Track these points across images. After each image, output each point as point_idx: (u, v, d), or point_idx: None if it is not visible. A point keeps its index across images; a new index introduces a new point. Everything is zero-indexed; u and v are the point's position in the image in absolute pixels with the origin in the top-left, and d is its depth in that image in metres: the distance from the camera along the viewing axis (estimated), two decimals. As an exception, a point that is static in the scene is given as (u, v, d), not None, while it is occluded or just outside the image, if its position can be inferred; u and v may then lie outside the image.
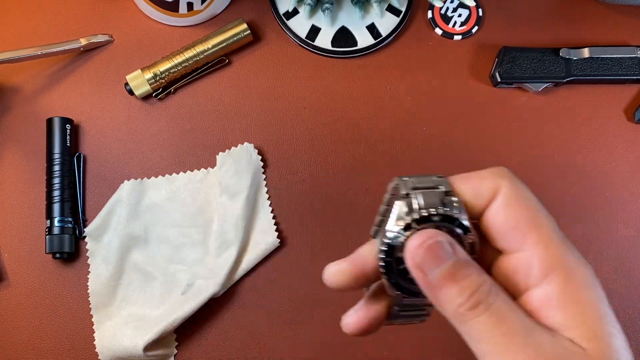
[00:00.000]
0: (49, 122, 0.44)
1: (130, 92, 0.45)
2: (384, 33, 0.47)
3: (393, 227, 0.24)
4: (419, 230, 0.23)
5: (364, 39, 0.47)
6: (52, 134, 0.44)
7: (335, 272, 0.25)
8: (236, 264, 0.42)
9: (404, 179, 0.25)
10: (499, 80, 0.45)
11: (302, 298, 0.43)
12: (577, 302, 0.22)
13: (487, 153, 0.46)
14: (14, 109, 0.46)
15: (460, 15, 0.47)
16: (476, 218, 0.25)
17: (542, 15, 0.48)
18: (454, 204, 0.24)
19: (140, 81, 0.44)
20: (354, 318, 0.26)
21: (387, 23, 0.47)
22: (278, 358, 0.42)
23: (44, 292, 0.43)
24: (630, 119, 0.46)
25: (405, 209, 0.24)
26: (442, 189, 0.24)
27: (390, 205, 0.25)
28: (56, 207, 0.43)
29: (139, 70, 0.45)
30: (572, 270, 0.22)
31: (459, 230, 0.24)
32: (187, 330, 0.42)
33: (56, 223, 0.42)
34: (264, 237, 0.43)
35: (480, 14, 0.48)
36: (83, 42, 0.45)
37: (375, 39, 0.47)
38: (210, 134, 0.46)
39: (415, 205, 0.24)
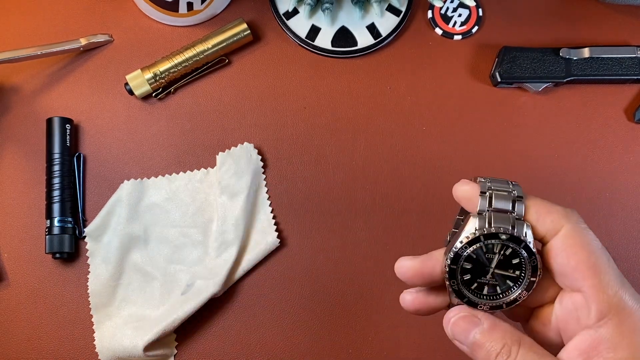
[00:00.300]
0: (49, 122, 0.44)
1: (130, 92, 0.45)
2: (384, 33, 0.47)
3: (462, 238, 0.27)
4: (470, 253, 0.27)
5: (364, 39, 0.46)
6: (51, 133, 0.44)
7: (406, 267, 0.29)
8: (236, 264, 0.42)
9: (483, 192, 0.27)
10: (499, 80, 0.45)
11: (302, 298, 0.43)
12: (628, 345, 0.24)
13: (487, 153, 0.46)
14: (14, 109, 0.46)
15: (460, 15, 0.47)
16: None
17: (542, 15, 0.48)
18: (524, 227, 0.26)
19: (140, 81, 0.44)
20: (412, 297, 0.29)
21: (387, 23, 0.47)
22: (278, 358, 0.42)
23: (43, 292, 0.43)
24: (630, 119, 0.46)
25: (476, 225, 0.27)
26: (516, 212, 0.27)
27: (464, 217, 0.28)
28: (56, 207, 0.42)
29: (139, 70, 0.45)
30: (626, 314, 0.24)
31: (523, 252, 0.26)
32: (187, 330, 0.42)
33: (56, 223, 0.42)
34: (264, 237, 0.43)
35: (481, 13, 0.47)
36: (83, 42, 0.45)
37: (375, 39, 0.46)
38: (210, 133, 0.46)
39: (486, 225, 0.26)
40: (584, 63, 0.45)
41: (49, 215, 0.43)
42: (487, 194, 0.27)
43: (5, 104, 0.46)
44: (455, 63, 0.47)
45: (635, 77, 0.45)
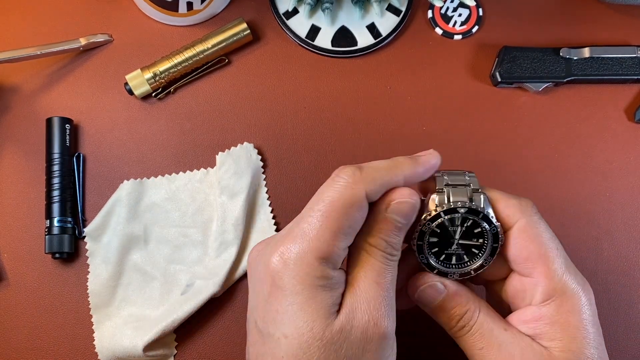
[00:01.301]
0: (49, 121, 0.44)
1: (130, 92, 0.45)
2: (384, 33, 0.47)
3: (425, 216, 0.29)
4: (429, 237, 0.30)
5: (364, 39, 0.46)
6: (51, 133, 0.44)
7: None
8: (236, 264, 0.42)
9: (440, 175, 0.30)
10: (499, 80, 0.45)
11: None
12: (563, 324, 0.28)
13: (487, 153, 0.46)
14: (13, 109, 0.46)
15: (460, 15, 0.47)
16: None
17: (543, 15, 0.48)
18: (480, 199, 0.29)
19: (139, 81, 0.44)
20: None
21: (387, 23, 0.47)
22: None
23: (43, 292, 0.43)
24: (631, 118, 0.46)
25: (436, 202, 0.29)
26: (472, 187, 0.29)
27: (426, 198, 0.30)
28: (56, 207, 0.42)
29: (139, 70, 0.44)
30: (567, 298, 0.28)
31: (483, 223, 0.29)
32: (187, 330, 0.42)
33: (56, 223, 0.42)
34: (264, 237, 0.43)
35: (481, 13, 0.47)
36: (82, 41, 0.45)
37: (375, 39, 0.46)
38: (210, 133, 0.46)
39: (445, 200, 0.29)
40: (584, 63, 0.45)
41: (49, 215, 0.43)
42: (444, 175, 0.30)
43: (5, 104, 0.46)
44: (455, 63, 0.47)
45: (635, 77, 0.45)
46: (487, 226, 0.29)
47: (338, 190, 0.27)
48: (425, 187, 0.31)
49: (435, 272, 0.30)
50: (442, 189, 0.29)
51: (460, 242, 0.30)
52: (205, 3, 0.45)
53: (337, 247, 0.26)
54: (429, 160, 0.30)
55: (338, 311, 0.26)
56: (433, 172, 0.30)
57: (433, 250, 0.30)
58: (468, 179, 0.30)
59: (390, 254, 0.28)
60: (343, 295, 0.27)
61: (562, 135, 0.46)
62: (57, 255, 0.42)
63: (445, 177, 0.30)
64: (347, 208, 0.26)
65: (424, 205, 0.29)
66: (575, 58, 0.45)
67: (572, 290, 0.29)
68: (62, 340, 0.42)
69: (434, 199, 0.29)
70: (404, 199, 0.28)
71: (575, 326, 0.28)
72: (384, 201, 0.28)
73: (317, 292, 0.26)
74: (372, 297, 0.26)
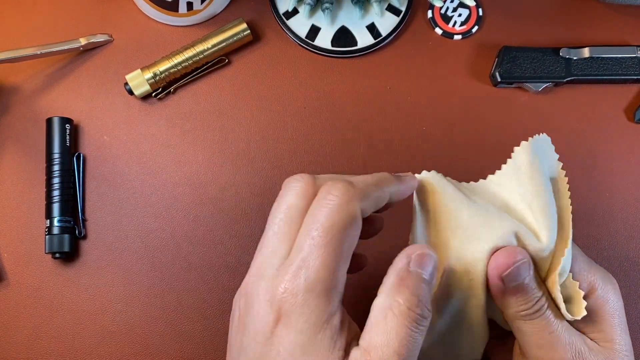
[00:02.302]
0: (49, 121, 0.44)
1: (130, 92, 0.45)
2: (383, 33, 0.47)
3: None
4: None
5: (363, 39, 0.46)
6: (51, 133, 0.44)
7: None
8: None
9: None
10: (499, 80, 0.45)
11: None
12: (599, 316, 0.30)
13: (487, 153, 0.46)
14: (13, 109, 0.46)
15: (460, 15, 0.47)
16: None
17: (542, 15, 0.48)
18: None
19: (139, 81, 0.44)
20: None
21: (387, 23, 0.47)
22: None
23: (43, 292, 0.43)
24: (631, 118, 0.46)
25: None
26: None
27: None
28: (56, 207, 0.42)
29: (139, 70, 0.45)
30: (595, 290, 0.30)
31: None
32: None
33: (56, 223, 0.42)
34: None
35: (481, 13, 0.47)
36: (83, 41, 0.45)
37: (375, 39, 0.46)
38: (210, 133, 0.46)
39: None
40: (584, 63, 0.45)
41: (49, 215, 0.43)
42: None
43: (5, 104, 0.46)
44: (455, 63, 0.47)
45: (635, 77, 0.45)
46: None
47: (334, 210, 0.25)
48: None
49: None
50: None
51: None
52: (205, 3, 0.45)
53: (342, 273, 0.25)
54: (410, 181, 0.30)
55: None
56: (412, 192, 0.31)
57: None
58: None
59: (422, 315, 0.25)
60: (350, 349, 0.24)
61: (562, 136, 0.46)
62: (57, 255, 0.42)
63: None
64: (347, 230, 0.25)
65: None
66: (575, 58, 0.45)
67: (600, 284, 0.30)
68: (62, 340, 0.42)
69: None
70: (425, 251, 0.27)
71: (611, 315, 0.29)
72: (403, 256, 0.27)
73: (323, 330, 0.24)
74: None
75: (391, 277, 0.26)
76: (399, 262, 0.27)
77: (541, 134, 0.32)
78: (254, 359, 0.25)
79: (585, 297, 0.29)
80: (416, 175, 0.31)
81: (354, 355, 0.24)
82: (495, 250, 0.29)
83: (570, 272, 0.30)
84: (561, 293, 0.29)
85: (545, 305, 0.29)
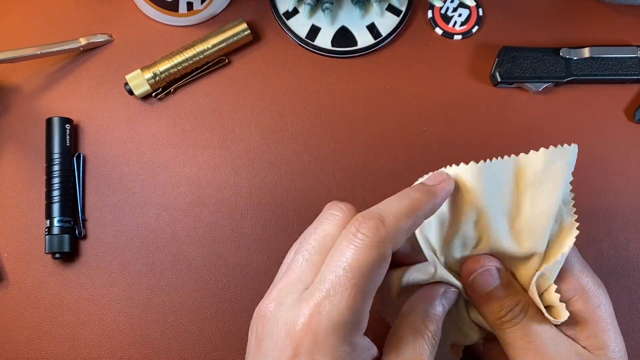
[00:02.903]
0: (49, 121, 0.44)
1: (130, 92, 0.45)
2: (384, 33, 0.47)
3: None
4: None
5: (364, 39, 0.46)
6: (51, 133, 0.44)
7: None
8: None
9: None
10: (499, 80, 0.45)
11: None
12: (593, 320, 0.29)
13: (487, 153, 0.45)
14: (13, 109, 0.46)
15: (460, 15, 0.47)
16: None
17: (542, 15, 0.48)
18: None
19: (139, 81, 0.44)
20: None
21: (387, 23, 0.47)
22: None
23: (43, 292, 0.43)
24: (631, 118, 0.46)
25: None
26: None
27: None
28: (56, 207, 0.42)
29: (139, 70, 0.44)
30: (590, 296, 0.29)
31: None
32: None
33: (56, 223, 0.42)
34: None
35: (481, 13, 0.47)
36: (83, 41, 0.45)
37: (375, 39, 0.46)
38: (210, 133, 0.46)
39: None
40: (584, 63, 0.45)
41: (49, 215, 0.43)
42: None
43: (5, 104, 0.46)
44: (455, 63, 0.47)
45: (635, 77, 0.45)
46: None
47: (363, 252, 0.24)
48: None
49: None
50: None
51: None
52: (205, 3, 0.45)
53: (366, 311, 0.25)
54: (446, 189, 0.29)
55: None
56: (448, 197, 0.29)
57: None
58: None
59: (435, 336, 0.28)
60: None
61: (562, 136, 0.46)
62: (57, 255, 0.42)
63: None
64: (375, 270, 0.24)
65: None
66: (575, 58, 0.45)
67: (592, 288, 0.30)
68: (62, 340, 0.42)
69: None
70: (450, 289, 0.30)
71: (604, 320, 0.29)
72: (435, 297, 0.29)
73: None
74: None
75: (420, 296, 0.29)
76: (431, 304, 0.28)
77: (572, 144, 0.31)
78: None
79: (576, 301, 0.29)
80: (449, 171, 0.30)
81: None
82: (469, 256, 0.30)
83: (555, 283, 0.30)
84: (545, 299, 0.29)
85: (522, 314, 0.28)
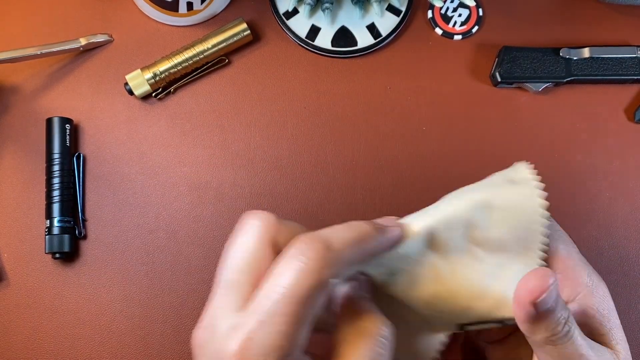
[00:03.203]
0: (49, 121, 0.44)
1: (130, 92, 0.45)
2: (384, 33, 0.47)
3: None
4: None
5: (364, 39, 0.46)
6: (51, 133, 0.44)
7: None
8: None
9: None
10: (499, 80, 0.45)
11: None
12: (606, 316, 0.28)
13: (487, 153, 0.46)
14: (13, 109, 0.46)
15: (460, 15, 0.47)
16: None
17: (542, 15, 0.48)
18: None
19: (139, 81, 0.44)
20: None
21: (387, 23, 0.47)
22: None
23: (43, 292, 0.43)
24: (631, 118, 0.46)
25: None
26: None
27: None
28: (56, 207, 0.42)
29: (139, 70, 0.44)
30: (593, 292, 0.29)
31: None
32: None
33: (56, 223, 0.42)
34: None
35: (481, 13, 0.47)
36: (83, 41, 0.45)
37: (375, 39, 0.46)
38: (210, 133, 0.46)
39: None
40: (584, 63, 0.45)
41: (49, 215, 0.43)
42: None
43: (5, 104, 0.46)
44: (455, 63, 0.47)
45: (635, 77, 0.45)
46: None
47: (305, 277, 0.22)
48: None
49: None
50: None
51: None
52: (205, 3, 0.45)
53: (303, 337, 0.22)
54: (394, 234, 0.26)
55: None
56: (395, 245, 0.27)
57: None
58: None
59: (390, 332, 0.24)
60: None
61: (562, 136, 0.46)
62: (57, 255, 0.42)
63: None
64: (315, 298, 0.22)
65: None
66: (575, 58, 0.45)
67: (595, 284, 0.29)
68: (62, 340, 0.42)
69: None
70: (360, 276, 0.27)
71: (608, 318, 0.28)
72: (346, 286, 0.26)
73: None
74: None
75: (345, 305, 0.25)
76: (347, 290, 0.26)
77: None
78: None
79: (580, 299, 0.29)
80: (402, 221, 0.28)
81: None
82: None
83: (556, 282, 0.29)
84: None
85: (574, 325, 0.26)
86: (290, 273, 0.22)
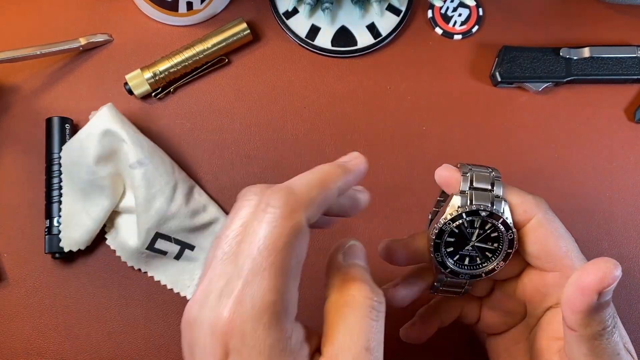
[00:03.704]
0: (48, 121, 0.44)
1: (130, 92, 0.45)
2: (383, 32, 0.47)
3: (446, 215, 0.29)
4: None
5: (363, 39, 0.46)
6: (51, 133, 0.44)
7: (393, 248, 0.31)
8: None
9: (466, 175, 0.30)
10: (499, 80, 0.45)
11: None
12: (550, 247, 0.29)
13: (487, 153, 0.46)
14: (13, 109, 0.46)
15: (460, 15, 0.47)
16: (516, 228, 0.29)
17: (542, 15, 0.48)
18: (501, 205, 0.29)
19: (139, 81, 0.44)
20: (402, 292, 0.31)
21: (387, 22, 0.47)
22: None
23: (43, 292, 0.43)
24: (631, 118, 0.46)
25: (459, 203, 0.29)
26: (495, 191, 0.29)
27: (444, 198, 0.31)
28: (56, 207, 0.42)
29: (139, 70, 0.44)
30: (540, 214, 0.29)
31: (501, 227, 0.29)
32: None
33: (56, 223, 0.42)
34: None
35: (481, 13, 0.47)
36: (82, 41, 0.45)
37: (375, 39, 0.46)
38: (210, 133, 0.46)
39: (467, 202, 0.29)
40: (584, 63, 0.45)
41: (49, 215, 0.43)
42: (468, 174, 0.30)
43: (5, 104, 0.46)
44: (455, 63, 0.47)
45: (635, 77, 0.45)
46: (504, 231, 0.29)
47: (275, 225, 0.22)
48: (447, 182, 0.30)
49: (448, 271, 0.30)
50: (466, 191, 0.29)
51: (476, 244, 0.30)
52: (205, 3, 0.45)
53: (291, 292, 0.22)
54: (359, 166, 0.27)
55: None
56: (363, 176, 0.27)
57: (448, 250, 0.30)
58: (492, 179, 0.30)
59: (378, 301, 0.24)
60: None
61: (562, 136, 0.46)
62: (57, 255, 0.42)
63: (469, 178, 0.30)
64: (292, 245, 0.22)
65: (446, 204, 0.30)
66: (575, 58, 0.45)
67: (536, 208, 0.29)
68: (62, 340, 0.42)
69: (456, 199, 0.29)
70: (352, 242, 0.26)
71: (561, 247, 0.29)
72: (336, 251, 0.26)
73: (280, 358, 0.21)
74: None
75: (335, 274, 0.25)
76: (336, 258, 0.26)
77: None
78: None
79: (528, 228, 0.29)
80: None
81: None
82: None
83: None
84: None
85: (619, 321, 0.26)
86: (262, 226, 0.22)
